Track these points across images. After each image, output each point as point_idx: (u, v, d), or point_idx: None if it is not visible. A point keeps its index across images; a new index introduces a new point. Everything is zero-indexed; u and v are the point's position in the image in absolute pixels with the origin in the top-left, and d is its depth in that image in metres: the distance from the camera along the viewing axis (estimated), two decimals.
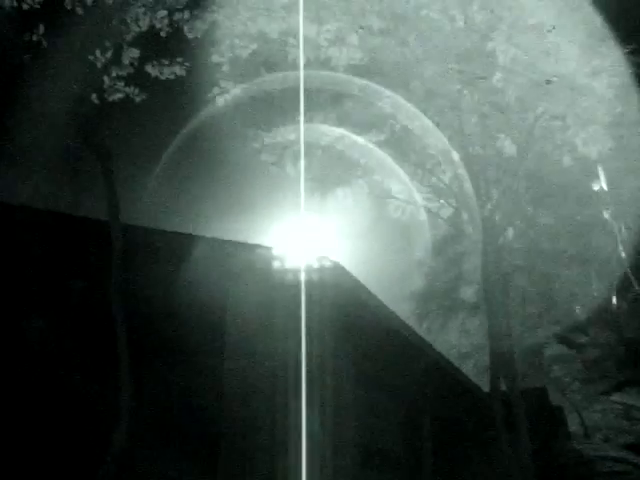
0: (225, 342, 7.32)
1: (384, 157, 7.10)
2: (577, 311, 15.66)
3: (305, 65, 6.57)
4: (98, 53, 6.09)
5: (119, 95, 6.31)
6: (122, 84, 6.27)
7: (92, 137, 6.60)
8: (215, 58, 6.30)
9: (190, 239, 8.04)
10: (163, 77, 6.20)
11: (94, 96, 6.35)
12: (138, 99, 6.37)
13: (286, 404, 7.57)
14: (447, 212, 7.70)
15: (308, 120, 6.97)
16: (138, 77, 6.27)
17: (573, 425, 19.06)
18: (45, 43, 6.42)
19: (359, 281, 7.79)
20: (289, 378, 7.57)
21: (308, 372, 7.59)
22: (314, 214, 8.23)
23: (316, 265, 7.45)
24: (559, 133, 7.14)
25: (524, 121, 7.07)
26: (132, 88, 6.31)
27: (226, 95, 6.38)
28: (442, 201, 7.51)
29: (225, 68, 6.46)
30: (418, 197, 7.62)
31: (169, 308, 7.86)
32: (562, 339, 16.41)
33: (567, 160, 7.45)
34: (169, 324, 7.80)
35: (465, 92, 6.88)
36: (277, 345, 7.44)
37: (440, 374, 11.54)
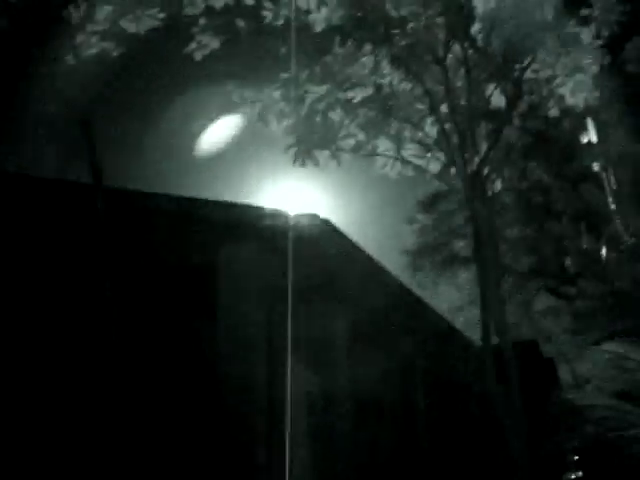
0: (217, 301, 7.35)
1: (370, 114, 7.03)
2: (567, 263, 15.78)
3: (284, 25, 6.48)
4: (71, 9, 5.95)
5: (94, 50, 6.18)
6: (97, 39, 6.15)
7: (71, 101, 6.50)
8: (189, 10, 6.16)
9: (179, 200, 8.01)
10: (140, 32, 6.07)
11: (70, 57, 6.23)
12: (115, 54, 6.23)
13: (278, 359, 7.65)
14: (436, 167, 7.65)
15: (292, 78, 6.86)
16: (114, 33, 6.13)
17: (564, 376, 19.36)
18: None
19: (350, 238, 7.82)
20: (279, 334, 7.63)
21: (297, 328, 7.65)
22: (302, 173, 8.19)
23: (306, 223, 7.46)
24: (546, 83, 7.07)
25: (512, 71, 6.99)
26: (108, 43, 6.18)
27: (204, 50, 6.26)
28: (430, 155, 7.45)
29: (202, 21, 6.32)
30: (406, 153, 7.55)
31: (158, 269, 7.86)
32: (552, 291, 16.56)
33: (555, 112, 7.40)
34: (158, 285, 7.81)
35: (450, 43, 6.80)
36: (268, 302, 7.49)
37: (432, 327, 11.66)
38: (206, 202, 7.83)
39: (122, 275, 7.51)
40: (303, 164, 6.90)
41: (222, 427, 6.93)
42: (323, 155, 7.03)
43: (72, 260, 7.85)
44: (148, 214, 8.19)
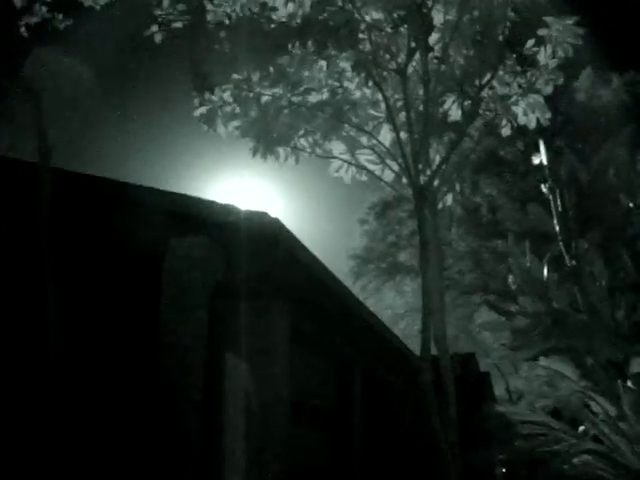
0: (162, 294, 7.25)
1: (325, 117, 7.00)
2: (509, 280, 16.08)
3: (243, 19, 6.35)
4: None
5: (36, 20, 5.94)
6: (45, 9, 5.92)
7: (21, 74, 6.26)
8: None
9: (128, 188, 7.88)
10: (96, 6, 5.88)
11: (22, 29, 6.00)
12: (62, 25, 6.02)
13: (219, 359, 7.58)
14: (390, 175, 7.68)
15: (246, 78, 6.79)
16: (67, 5, 5.92)
17: (499, 390, 19.77)
18: None
19: (297, 238, 7.79)
20: (222, 332, 7.57)
21: (240, 326, 7.60)
22: (256, 171, 8.13)
23: (254, 220, 7.42)
24: (501, 101, 7.17)
25: (471, 86, 7.06)
26: (55, 14, 5.96)
27: (165, 33, 6.09)
28: (384, 164, 7.47)
29: (165, 3, 6.15)
30: (361, 157, 7.56)
31: (103, 258, 7.71)
32: (493, 307, 16.87)
33: (506, 130, 7.50)
34: (101, 275, 7.66)
35: (413, 52, 6.81)
36: (213, 299, 7.42)
37: (372, 333, 11.73)
38: (159, 192, 7.75)
39: (62, 259, 7.34)
40: (265, 158, 6.84)
41: (157, 421, 6.83)
42: (284, 151, 6.98)
43: (10, 240, 7.64)
44: (94, 199, 8.03)
